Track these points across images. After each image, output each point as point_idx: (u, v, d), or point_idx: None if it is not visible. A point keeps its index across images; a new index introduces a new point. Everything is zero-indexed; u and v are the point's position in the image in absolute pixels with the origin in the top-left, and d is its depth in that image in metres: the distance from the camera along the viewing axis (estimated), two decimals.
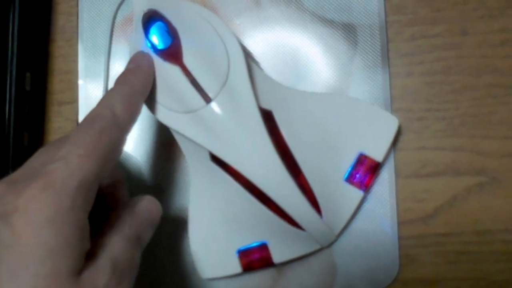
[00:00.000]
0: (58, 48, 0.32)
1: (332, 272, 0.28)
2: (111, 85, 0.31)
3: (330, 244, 0.28)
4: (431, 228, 0.28)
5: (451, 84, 0.28)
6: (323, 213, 0.27)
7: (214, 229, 0.28)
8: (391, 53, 0.29)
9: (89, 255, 0.20)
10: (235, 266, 0.28)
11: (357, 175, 0.27)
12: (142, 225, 0.24)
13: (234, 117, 0.26)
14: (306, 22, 0.29)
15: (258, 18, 0.30)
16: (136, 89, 0.25)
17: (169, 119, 0.26)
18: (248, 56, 0.28)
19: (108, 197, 0.25)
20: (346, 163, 0.28)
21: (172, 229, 0.30)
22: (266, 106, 0.27)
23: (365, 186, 0.27)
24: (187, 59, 0.26)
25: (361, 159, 0.27)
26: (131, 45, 0.28)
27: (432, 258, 0.28)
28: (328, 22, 0.29)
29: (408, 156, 0.28)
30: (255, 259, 0.28)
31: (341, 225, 0.28)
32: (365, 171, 0.27)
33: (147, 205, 0.24)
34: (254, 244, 0.28)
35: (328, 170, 0.28)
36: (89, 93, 0.31)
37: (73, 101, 0.32)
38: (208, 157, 0.27)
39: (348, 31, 0.29)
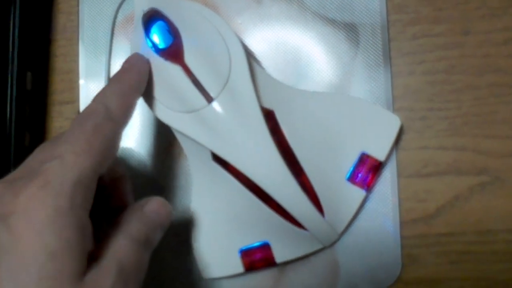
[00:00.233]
0: (59, 47, 0.32)
1: (334, 272, 0.28)
2: None
3: (332, 244, 0.28)
4: (433, 228, 0.28)
5: (453, 84, 0.28)
6: (325, 212, 0.27)
7: (216, 228, 0.28)
8: (393, 52, 0.29)
9: (94, 257, 0.20)
10: (237, 266, 0.28)
11: (359, 175, 0.27)
12: (151, 228, 0.23)
13: (235, 117, 0.26)
14: (308, 21, 0.29)
15: (260, 17, 0.30)
16: (130, 86, 0.25)
17: (170, 119, 0.26)
18: (249, 55, 0.28)
19: (111, 195, 0.25)
20: (348, 162, 0.28)
21: (174, 229, 0.30)
22: (268, 105, 0.27)
23: (367, 186, 0.27)
24: (188, 59, 0.26)
25: (363, 159, 0.27)
26: (132, 44, 0.28)
27: (434, 258, 0.28)
28: (329, 21, 0.29)
29: (410, 156, 0.28)
30: (257, 258, 0.28)
31: (343, 225, 0.28)
32: (367, 171, 0.27)
33: (156, 207, 0.24)
34: (256, 244, 0.28)
35: (330, 170, 0.28)
36: (90, 93, 0.31)
37: (74, 100, 0.32)
38: (210, 157, 0.27)
39: (350, 30, 0.29)
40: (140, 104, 0.25)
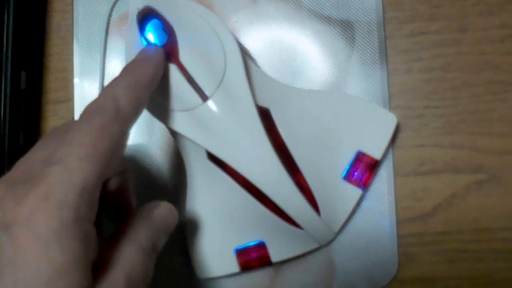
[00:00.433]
0: (53, 46, 0.32)
1: (330, 271, 0.28)
2: (106, 83, 0.31)
3: (329, 243, 0.28)
4: (430, 227, 0.28)
5: (450, 81, 0.28)
6: (321, 211, 0.27)
7: (212, 228, 0.28)
8: (389, 50, 0.29)
9: (101, 268, 0.19)
10: (233, 266, 0.28)
11: (356, 173, 0.27)
12: (158, 235, 0.22)
13: (231, 115, 0.26)
14: (304, 19, 0.29)
15: (255, 15, 0.30)
16: (143, 81, 0.23)
17: (165, 117, 0.26)
18: (245, 54, 0.27)
19: (112, 192, 0.23)
20: (344, 161, 0.27)
21: None
22: (263, 103, 0.27)
23: (364, 184, 0.27)
24: (183, 57, 0.26)
25: (359, 157, 0.27)
26: (127, 42, 0.28)
27: (431, 256, 0.28)
28: (325, 18, 0.29)
29: (407, 154, 0.28)
30: (253, 258, 0.28)
31: (340, 224, 0.27)
32: (363, 169, 0.27)
33: (164, 213, 0.23)
34: (252, 243, 0.28)
35: (326, 168, 0.27)
36: (85, 91, 0.31)
37: (69, 99, 0.31)
38: (205, 156, 0.27)
39: (346, 28, 0.29)
40: None
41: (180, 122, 0.26)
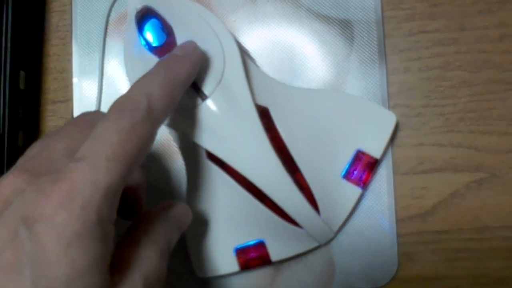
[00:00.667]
0: (52, 46, 0.32)
1: (330, 270, 0.28)
2: (105, 83, 0.31)
3: (328, 242, 0.28)
4: (429, 225, 0.28)
5: (449, 80, 0.28)
6: (320, 210, 0.27)
7: (211, 227, 0.28)
8: (388, 49, 0.29)
9: (118, 267, 0.19)
10: (233, 265, 0.28)
11: (355, 172, 0.27)
12: (174, 235, 0.22)
13: (230, 115, 0.26)
14: (302, 18, 0.29)
15: (254, 15, 0.30)
16: (179, 78, 0.22)
17: None
18: (243, 53, 0.27)
19: (126, 189, 0.22)
20: (344, 160, 0.27)
21: None
22: (262, 103, 0.27)
23: (363, 183, 0.27)
24: None
25: (359, 156, 0.27)
26: (126, 42, 0.28)
27: (430, 255, 0.28)
28: (324, 18, 0.29)
29: (406, 153, 0.28)
30: (252, 257, 0.28)
31: (339, 223, 0.27)
32: (362, 168, 0.27)
33: (181, 213, 0.23)
34: (252, 242, 0.28)
35: (326, 167, 0.27)
36: (84, 92, 0.31)
37: (68, 99, 0.31)
38: (204, 155, 0.27)
39: (345, 27, 0.29)
40: None
41: (179, 122, 0.26)
